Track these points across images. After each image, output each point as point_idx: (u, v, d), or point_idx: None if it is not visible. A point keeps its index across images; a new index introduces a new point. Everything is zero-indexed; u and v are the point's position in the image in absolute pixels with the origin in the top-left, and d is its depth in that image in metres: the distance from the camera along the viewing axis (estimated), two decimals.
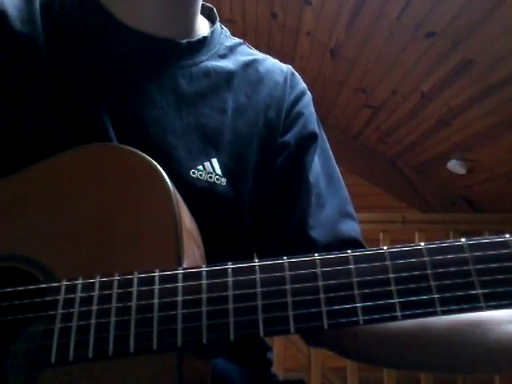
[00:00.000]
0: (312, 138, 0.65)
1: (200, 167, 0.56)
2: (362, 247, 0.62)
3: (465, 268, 0.37)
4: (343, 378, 2.40)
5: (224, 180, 0.57)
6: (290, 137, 0.64)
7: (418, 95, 2.50)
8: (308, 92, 0.70)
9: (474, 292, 0.37)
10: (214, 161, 0.57)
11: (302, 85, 0.70)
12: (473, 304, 0.36)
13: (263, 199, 0.62)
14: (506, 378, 2.27)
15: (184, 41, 0.61)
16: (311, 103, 0.69)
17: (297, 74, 0.70)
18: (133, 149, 0.48)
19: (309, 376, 2.31)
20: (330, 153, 0.69)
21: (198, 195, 0.55)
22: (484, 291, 0.36)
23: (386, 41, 2.28)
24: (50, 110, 0.54)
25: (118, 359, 0.38)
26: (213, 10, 0.70)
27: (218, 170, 0.57)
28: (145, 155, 0.47)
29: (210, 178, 0.56)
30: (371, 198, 3.38)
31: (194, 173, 0.55)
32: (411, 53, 2.24)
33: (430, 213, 3.34)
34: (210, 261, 0.50)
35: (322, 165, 0.66)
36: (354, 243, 0.62)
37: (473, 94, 2.21)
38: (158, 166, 0.46)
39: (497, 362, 0.47)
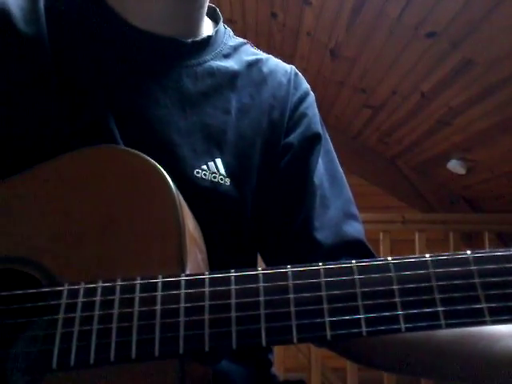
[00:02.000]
0: (316, 138, 0.65)
1: (204, 167, 0.56)
2: (366, 248, 0.62)
3: (470, 281, 0.37)
4: (343, 378, 2.40)
5: (228, 180, 0.57)
6: (293, 138, 0.63)
7: (418, 95, 2.50)
8: (311, 92, 0.70)
9: (479, 306, 0.36)
10: (218, 161, 0.57)
11: (306, 85, 0.69)
12: (478, 318, 0.36)
13: (267, 200, 0.62)
14: None
15: (189, 40, 0.61)
16: (315, 104, 0.69)
17: (300, 74, 0.70)
18: (136, 151, 0.48)
19: (309, 376, 2.32)
20: (334, 154, 0.68)
21: (201, 195, 0.55)
22: (489, 305, 0.36)
23: (386, 41, 2.27)
24: (55, 109, 0.54)
25: (119, 365, 0.38)
26: (216, 9, 0.70)
27: (222, 170, 0.57)
28: (148, 158, 0.47)
29: (214, 177, 0.56)
30: (371, 198, 3.37)
31: (198, 172, 0.55)
32: (411, 53, 2.24)
33: (430, 213, 3.34)
34: (213, 261, 0.50)
35: (325, 166, 0.65)
36: (358, 244, 0.62)
37: (473, 94, 2.21)
38: (162, 169, 0.46)
39: (500, 373, 0.47)
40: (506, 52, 1.85)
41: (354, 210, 0.65)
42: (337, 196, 0.64)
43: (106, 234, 0.44)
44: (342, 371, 2.41)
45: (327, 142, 0.68)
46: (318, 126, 0.67)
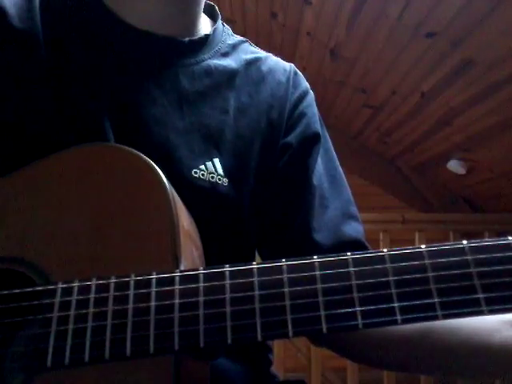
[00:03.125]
0: (315, 138, 0.65)
1: (202, 167, 0.55)
2: (366, 248, 0.62)
3: (466, 271, 0.36)
4: (343, 378, 2.40)
5: (226, 180, 0.57)
6: (292, 137, 0.63)
7: (418, 95, 2.50)
8: (311, 91, 0.69)
9: (476, 296, 0.36)
10: (216, 161, 0.57)
11: (305, 84, 0.69)
12: (474, 308, 0.36)
13: (266, 200, 0.62)
14: None
15: (186, 39, 0.60)
16: (314, 103, 0.68)
17: (300, 72, 0.70)
18: (130, 148, 0.47)
19: (309, 376, 2.31)
20: (334, 153, 0.68)
21: (199, 195, 0.54)
22: (486, 295, 0.36)
23: (386, 41, 2.27)
24: (50, 108, 0.53)
25: (114, 362, 0.38)
26: (214, 7, 0.70)
27: (220, 170, 0.57)
28: (141, 154, 0.47)
29: (212, 178, 0.56)
30: (371, 198, 3.37)
31: (195, 172, 0.55)
32: (411, 53, 2.24)
33: (430, 213, 3.34)
34: (210, 261, 0.50)
35: (325, 166, 0.65)
36: (358, 245, 0.61)
37: (473, 94, 2.21)
38: (156, 166, 0.46)
39: (498, 366, 0.47)
40: (506, 52, 1.85)
41: (354, 210, 0.64)
42: (336, 196, 0.64)
43: (99, 232, 0.44)
44: (342, 371, 2.41)
45: (327, 142, 0.68)
46: (318, 126, 0.66)
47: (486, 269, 0.36)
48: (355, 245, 0.61)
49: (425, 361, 0.53)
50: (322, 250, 0.59)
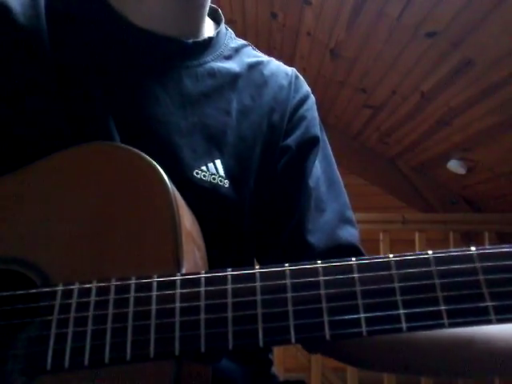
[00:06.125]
0: (313, 141, 0.65)
1: (204, 168, 0.55)
2: (361, 254, 0.62)
3: (474, 279, 0.36)
4: (343, 378, 2.40)
5: (227, 182, 0.57)
6: (291, 140, 0.63)
7: (418, 95, 2.50)
8: (312, 95, 0.69)
9: (484, 304, 0.35)
10: (218, 162, 0.57)
11: (306, 88, 0.69)
12: (482, 317, 0.35)
13: (264, 203, 0.62)
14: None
15: (190, 41, 0.60)
16: (315, 107, 0.69)
17: (301, 76, 0.70)
18: (133, 148, 0.47)
19: (309, 376, 2.32)
20: (332, 157, 0.68)
21: (200, 196, 0.54)
22: (495, 303, 0.35)
23: (386, 41, 2.27)
24: (54, 107, 0.53)
25: (114, 366, 0.37)
26: (218, 11, 0.70)
27: (222, 172, 0.57)
28: (143, 154, 0.46)
29: (214, 179, 0.56)
30: (371, 198, 3.38)
31: (197, 173, 0.55)
32: (411, 53, 2.23)
33: (430, 213, 3.34)
34: (211, 262, 0.50)
35: (323, 169, 0.65)
36: (352, 249, 0.61)
37: (473, 94, 2.21)
38: (158, 167, 0.46)
39: (498, 367, 0.47)
40: (506, 52, 1.85)
41: (350, 214, 0.65)
42: (333, 200, 0.64)
43: (101, 233, 0.44)
44: (342, 371, 2.41)
45: (326, 146, 0.68)
46: (317, 129, 0.66)
47: (494, 276, 0.36)
48: (350, 249, 0.61)
49: (423, 364, 0.53)
50: (315, 252, 0.59)
